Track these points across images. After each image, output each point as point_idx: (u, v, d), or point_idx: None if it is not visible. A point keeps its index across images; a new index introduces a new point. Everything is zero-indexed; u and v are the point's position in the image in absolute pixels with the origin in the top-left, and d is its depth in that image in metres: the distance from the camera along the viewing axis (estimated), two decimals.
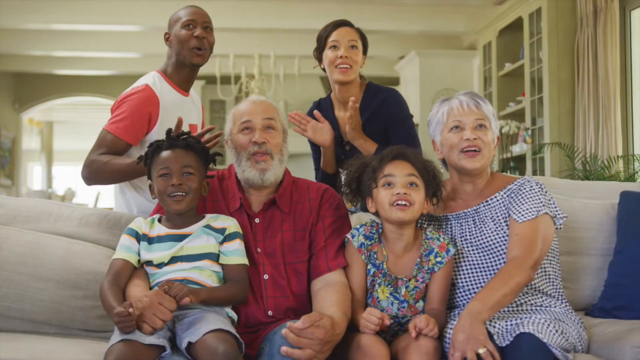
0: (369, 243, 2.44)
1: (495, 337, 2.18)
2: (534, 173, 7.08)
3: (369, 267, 2.42)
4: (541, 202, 2.41)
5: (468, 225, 2.50)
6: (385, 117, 3.18)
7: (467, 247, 2.47)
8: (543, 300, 2.40)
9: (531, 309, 2.36)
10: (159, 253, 2.34)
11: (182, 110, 3.09)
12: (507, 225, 2.43)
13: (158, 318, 2.09)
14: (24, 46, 9.89)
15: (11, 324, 2.54)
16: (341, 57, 3.16)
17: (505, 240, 2.41)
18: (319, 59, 3.30)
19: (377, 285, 2.40)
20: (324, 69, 3.29)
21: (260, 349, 2.28)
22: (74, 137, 16.72)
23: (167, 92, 3.02)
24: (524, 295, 2.39)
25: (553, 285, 2.46)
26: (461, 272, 2.45)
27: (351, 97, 3.09)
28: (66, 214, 2.80)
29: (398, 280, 2.39)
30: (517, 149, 7.47)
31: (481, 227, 2.47)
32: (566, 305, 2.44)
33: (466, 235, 2.49)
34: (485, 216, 2.47)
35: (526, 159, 7.35)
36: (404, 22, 8.71)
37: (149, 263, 2.36)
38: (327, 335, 2.09)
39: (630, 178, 5.51)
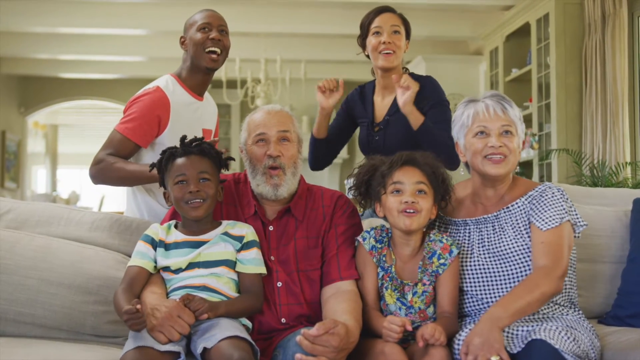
0: (379, 246, 2.45)
1: (505, 342, 2.17)
2: (541, 179, 7.06)
3: (378, 270, 2.42)
4: (564, 209, 2.39)
5: (487, 231, 2.48)
6: (423, 102, 3.16)
7: (484, 254, 2.44)
8: (555, 310, 2.38)
9: (543, 318, 2.34)
10: (176, 259, 2.33)
11: (195, 114, 3.08)
12: (527, 233, 2.41)
13: (175, 330, 2.08)
14: (30, 49, 9.90)
15: (22, 329, 2.53)
16: (384, 42, 3.19)
17: (524, 248, 2.39)
18: (363, 46, 3.33)
19: (384, 289, 2.40)
20: (367, 56, 3.31)
21: (274, 356, 2.27)
22: (79, 140, 16.76)
23: (179, 95, 3.01)
24: None
25: (568, 295, 2.44)
26: (475, 280, 2.43)
27: (392, 76, 3.12)
28: (77, 218, 2.78)
29: (405, 286, 2.39)
30: (523, 155, 7.45)
31: (500, 234, 2.45)
32: (579, 314, 2.42)
33: (484, 242, 2.46)
34: (505, 222, 2.45)
35: (533, 164, 7.33)
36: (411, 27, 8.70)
37: (166, 269, 2.35)
38: (341, 343, 2.08)
39: (638, 185, 5.49)
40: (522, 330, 2.25)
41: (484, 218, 2.49)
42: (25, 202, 2.90)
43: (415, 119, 3.04)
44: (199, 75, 3.08)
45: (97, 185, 3.00)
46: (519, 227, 2.43)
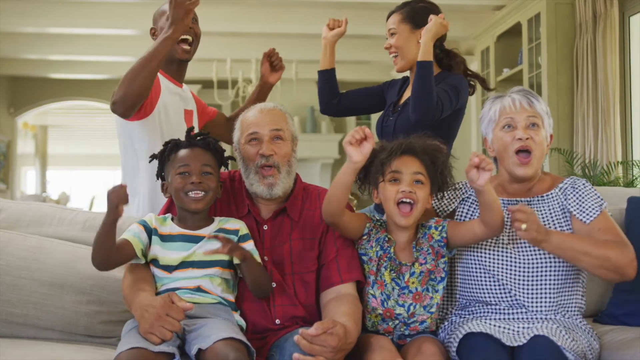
0: (380, 224, 2.49)
1: (506, 337, 2.20)
2: None
3: (376, 249, 2.42)
4: (598, 196, 2.44)
5: None
6: (441, 80, 3.16)
7: (508, 236, 2.44)
8: (556, 313, 2.39)
9: (543, 319, 2.35)
10: (170, 252, 2.30)
11: (179, 98, 3.13)
12: (559, 224, 2.43)
13: (167, 330, 2.05)
14: (20, 50, 9.84)
15: (14, 330, 2.51)
16: (386, 47, 3.28)
17: None
18: None
19: (383, 269, 2.40)
20: None
21: (270, 356, 2.25)
22: (69, 141, 16.69)
23: (164, 81, 3.03)
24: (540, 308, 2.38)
25: (576, 303, 2.46)
26: (496, 261, 2.42)
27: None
28: (69, 218, 2.77)
29: (402, 266, 2.40)
30: None
31: None
32: (579, 320, 2.42)
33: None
34: (537, 210, 2.46)
35: None
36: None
37: (157, 263, 2.31)
38: (340, 343, 2.06)
39: (630, 184, 5.50)
40: (522, 327, 2.27)
41: (516, 200, 2.50)
42: (18, 202, 2.88)
43: (424, 51, 3.00)
44: (173, 66, 3.10)
45: (126, 108, 2.75)
46: (551, 217, 2.45)
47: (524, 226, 2.20)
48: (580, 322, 2.39)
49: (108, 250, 2.21)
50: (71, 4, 8.30)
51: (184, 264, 2.30)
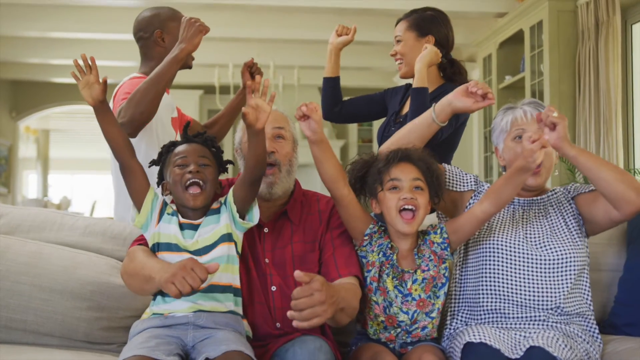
0: (383, 230, 2.48)
1: (504, 348, 2.20)
2: None
3: (378, 255, 2.43)
4: None
5: (533, 211, 2.54)
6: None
7: (528, 234, 2.46)
8: (557, 320, 2.39)
9: (543, 327, 2.35)
10: (188, 240, 2.28)
11: (170, 105, 3.17)
12: (565, 212, 2.49)
13: (187, 282, 2.02)
14: (22, 54, 9.87)
15: (13, 336, 2.50)
16: (391, 54, 3.33)
17: (567, 233, 2.45)
18: None
19: (385, 276, 2.41)
20: None
21: None
22: (70, 145, 16.74)
23: None
24: (539, 311, 2.37)
25: (578, 307, 2.45)
26: (505, 264, 2.42)
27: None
28: (70, 223, 2.76)
29: (404, 274, 2.40)
30: None
31: (545, 215, 2.51)
32: (585, 322, 2.43)
33: (530, 218, 2.51)
34: (550, 205, 2.53)
35: None
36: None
37: (176, 247, 2.27)
38: (323, 286, 2.01)
39: None
40: (520, 336, 2.28)
41: (531, 200, 2.55)
42: (18, 207, 2.87)
43: (418, 78, 3.03)
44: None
45: (134, 132, 2.85)
46: (559, 208, 2.52)
47: (555, 113, 2.29)
48: (581, 330, 2.39)
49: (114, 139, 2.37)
50: (73, 8, 8.31)
51: (196, 252, 2.27)
